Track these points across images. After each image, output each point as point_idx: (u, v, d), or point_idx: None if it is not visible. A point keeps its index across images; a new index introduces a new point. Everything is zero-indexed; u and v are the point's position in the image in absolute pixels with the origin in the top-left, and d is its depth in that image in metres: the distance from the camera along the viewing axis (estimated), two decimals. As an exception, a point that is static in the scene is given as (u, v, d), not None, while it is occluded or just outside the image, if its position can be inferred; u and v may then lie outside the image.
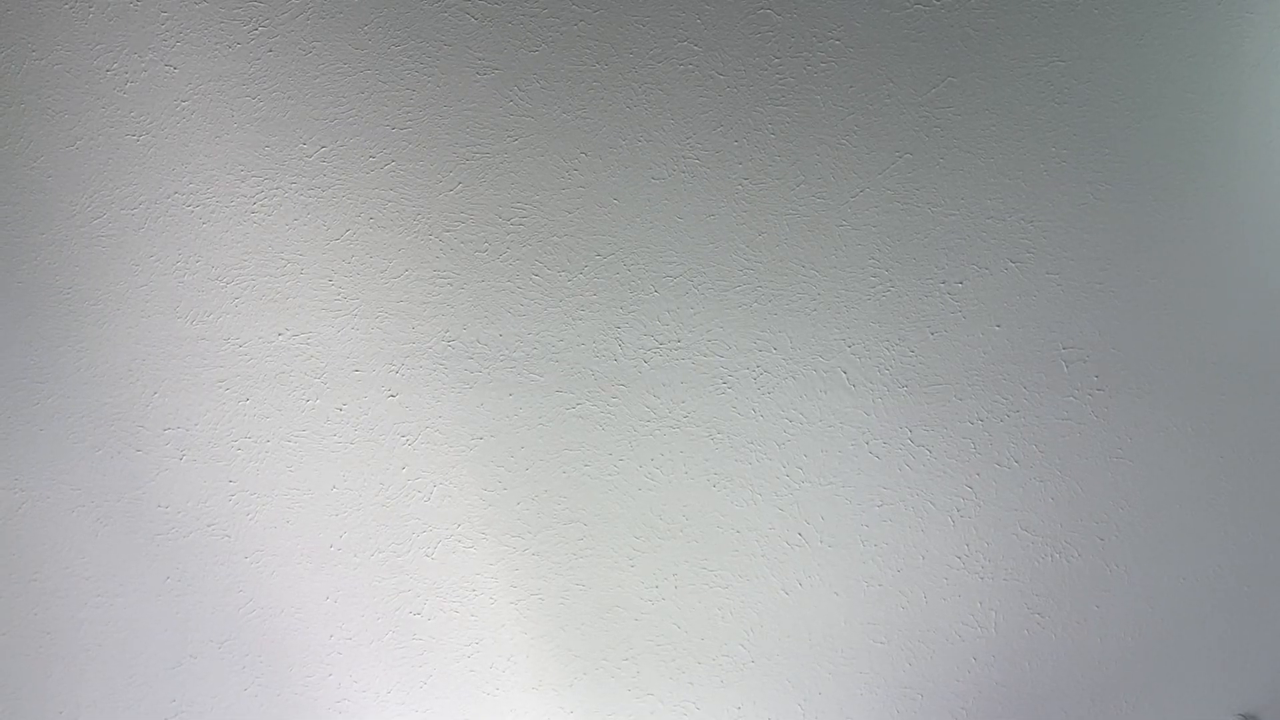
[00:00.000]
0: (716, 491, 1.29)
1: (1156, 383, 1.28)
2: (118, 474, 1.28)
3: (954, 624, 1.34)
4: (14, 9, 1.14)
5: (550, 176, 1.20)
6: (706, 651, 1.33)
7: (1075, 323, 1.26)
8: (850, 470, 1.29)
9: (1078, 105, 1.19)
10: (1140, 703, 1.38)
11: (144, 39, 1.15)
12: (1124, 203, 1.23)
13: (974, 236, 1.23)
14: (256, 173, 1.19)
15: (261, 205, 1.20)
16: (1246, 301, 1.27)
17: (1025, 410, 1.28)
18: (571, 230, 1.21)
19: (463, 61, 1.16)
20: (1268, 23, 1.18)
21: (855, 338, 1.25)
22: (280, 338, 1.24)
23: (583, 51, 1.16)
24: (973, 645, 1.35)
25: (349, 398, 1.26)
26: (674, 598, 1.32)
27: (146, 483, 1.29)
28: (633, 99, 1.17)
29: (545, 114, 1.18)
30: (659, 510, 1.30)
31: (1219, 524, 1.33)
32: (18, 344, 1.24)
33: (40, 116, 1.17)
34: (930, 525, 1.31)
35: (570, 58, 1.16)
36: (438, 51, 1.16)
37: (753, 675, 1.34)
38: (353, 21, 1.15)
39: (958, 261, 1.23)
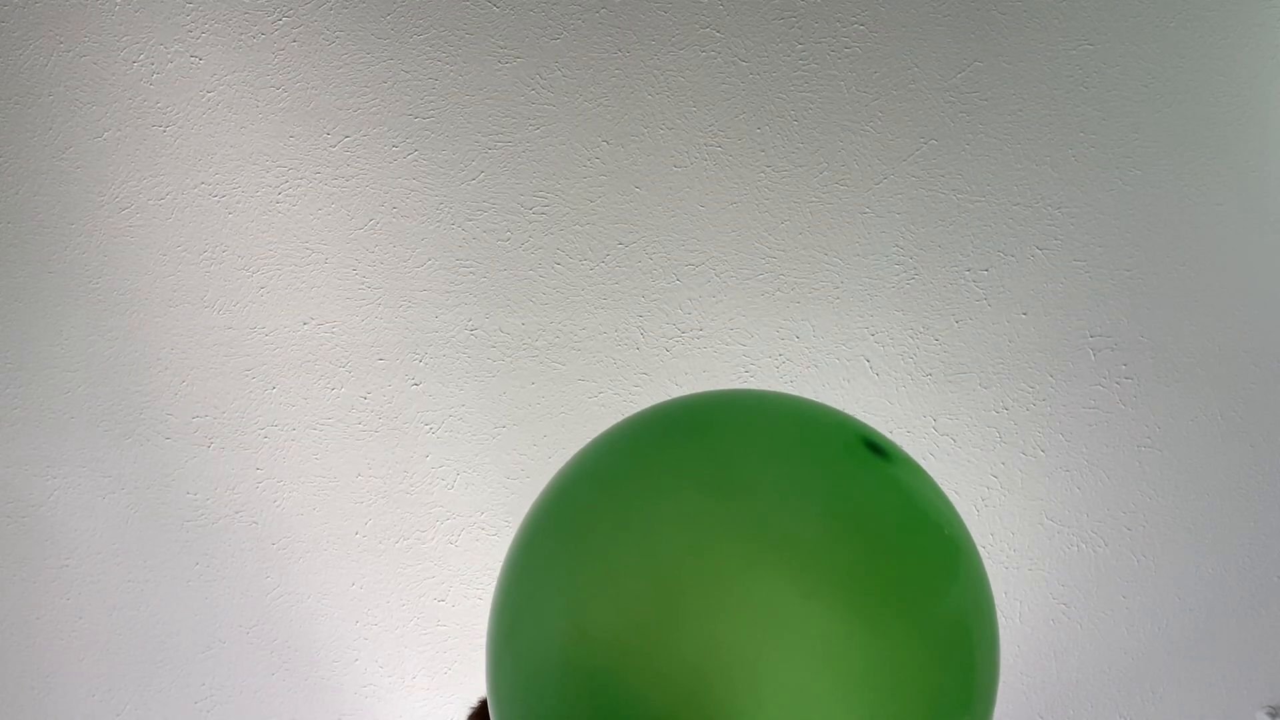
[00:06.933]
0: (739, 480, 1.29)
1: (1185, 371, 1.26)
2: (148, 461, 1.30)
3: (978, 614, 1.33)
4: (42, 2, 1.15)
5: (572, 165, 1.20)
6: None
7: (1103, 310, 1.24)
8: (873, 459, 1.28)
9: (1107, 90, 1.17)
10: (1167, 694, 1.37)
11: (169, 30, 1.16)
12: (1153, 189, 1.21)
13: (1000, 223, 1.21)
14: (281, 163, 1.20)
15: (286, 195, 1.21)
16: (1277, 288, 1.24)
17: (1051, 399, 1.27)
18: (593, 219, 1.21)
19: (484, 50, 1.16)
20: (1303, 3, 1.15)
21: (878, 325, 1.24)
22: (305, 326, 1.25)
23: (604, 39, 1.16)
24: (997, 635, 1.34)
25: (373, 386, 1.26)
26: (696, 586, 1.32)
27: (176, 470, 1.31)
28: (655, 86, 1.17)
29: (567, 102, 1.18)
30: (681, 499, 1.30)
31: (1248, 514, 1.31)
32: (49, 333, 1.26)
33: (68, 108, 1.19)
34: (954, 514, 1.30)
35: (592, 45, 1.16)
36: (460, 40, 1.16)
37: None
38: (375, 11, 1.15)
39: (983, 248, 1.22)
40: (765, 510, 0.48)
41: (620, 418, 1.33)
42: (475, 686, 1.37)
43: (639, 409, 1.33)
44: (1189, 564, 1.32)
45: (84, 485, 1.32)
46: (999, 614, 1.33)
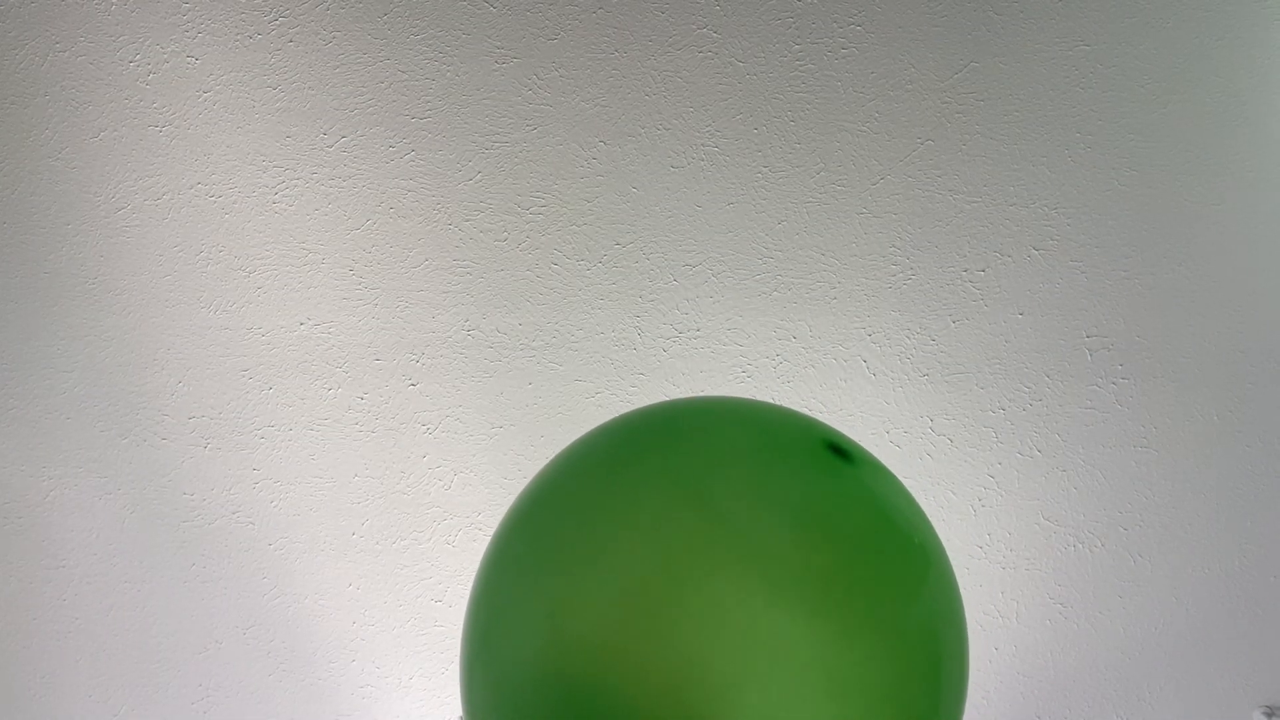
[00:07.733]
0: (736, 480, 1.29)
1: (1182, 371, 1.26)
2: (144, 462, 1.30)
3: (975, 614, 1.34)
4: (38, 2, 1.15)
5: (569, 165, 1.20)
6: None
7: (1099, 310, 1.24)
8: (870, 459, 1.28)
9: (1103, 90, 1.17)
10: (1163, 694, 1.37)
11: (166, 30, 1.16)
12: (1149, 189, 1.21)
13: (997, 223, 1.21)
14: (278, 163, 1.20)
15: (283, 195, 1.21)
16: (1274, 289, 1.25)
17: (1048, 399, 1.27)
18: (590, 219, 1.21)
19: (482, 50, 1.16)
20: (1300, 4, 1.15)
21: (876, 326, 1.24)
22: (302, 327, 1.25)
23: (601, 39, 1.16)
24: (994, 635, 1.34)
25: (370, 386, 1.26)
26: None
27: (172, 470, 1.30)
28: (652, 87, 1.17)
29: (564, 103, 1.17)
30: (678, 499, 1.29)
31: (1245, 514, 1.31)
32: (45, 333, 1.26)
33: (64, 108, 1.18)
34: (951, 515, 1.30)
35: (589, 46, 1.16)
36: (457, 41, 1.16)
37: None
38: (372, 11, 1.15)
39: (980, 249, 1.22)
40: (732, 520, 0.48)
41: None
42: (472, 687, 1.37)
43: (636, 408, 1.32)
44: (1186, 564, 1.33)
45: (80, 485, 1.31)
46: (996, 614, 1.33)
